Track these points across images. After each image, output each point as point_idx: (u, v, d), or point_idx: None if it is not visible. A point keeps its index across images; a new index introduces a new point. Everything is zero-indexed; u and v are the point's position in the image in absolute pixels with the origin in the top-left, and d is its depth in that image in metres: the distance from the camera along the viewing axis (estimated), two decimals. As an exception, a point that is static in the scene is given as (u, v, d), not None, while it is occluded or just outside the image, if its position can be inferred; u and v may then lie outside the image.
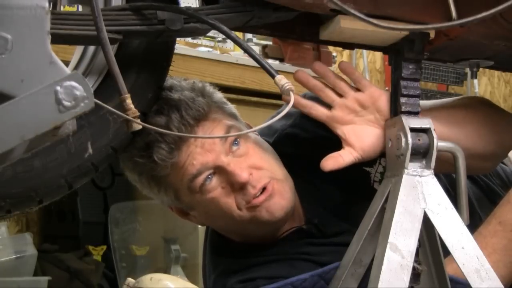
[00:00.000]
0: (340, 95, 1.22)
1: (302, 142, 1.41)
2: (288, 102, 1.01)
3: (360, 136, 1.21)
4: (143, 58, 1.12)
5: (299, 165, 1.39)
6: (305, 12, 1.10)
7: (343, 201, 1.38)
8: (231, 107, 1.36)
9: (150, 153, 1.23)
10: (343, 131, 1.22)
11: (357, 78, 1.22)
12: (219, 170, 1.26)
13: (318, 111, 1.24)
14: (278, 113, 1.04)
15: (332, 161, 1.22)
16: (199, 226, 2.50)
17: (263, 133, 1.46)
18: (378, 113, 1.20)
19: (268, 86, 2.80)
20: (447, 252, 1.09)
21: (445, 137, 1.19)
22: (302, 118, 1.43)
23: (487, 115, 1.36)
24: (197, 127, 1.24)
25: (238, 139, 1.28)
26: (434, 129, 1.12)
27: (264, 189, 1.27)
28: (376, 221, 1.12)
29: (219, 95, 1.34)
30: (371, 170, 1.40)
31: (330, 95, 1.22)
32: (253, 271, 1.34)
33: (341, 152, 1.22)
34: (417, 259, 1.09)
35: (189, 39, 2.99)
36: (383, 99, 1.20)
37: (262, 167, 1.28)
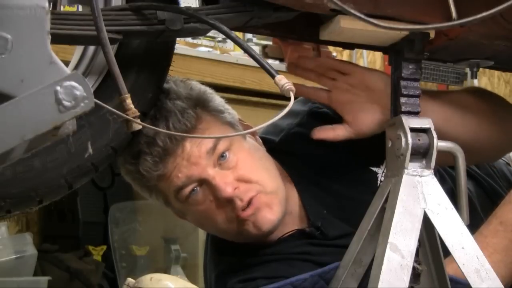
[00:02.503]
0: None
1: (308, 141, 1.41)
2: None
3: (355, 113, 1.26)
4: (143, 58, 1.11)
5: (306, 165, 1.39)
6: (305, 12, 1.09)
7: (349, 202, 1.38)
8: (228, 115, 1.33)
9: (137, 163, 1.24)
10: (342, 110, 1.28)
11: (340, 67, 1.27)
12: (205, 183, 1.26)
13: (320, 95, 1.30)
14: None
15: (322, 131, 1.28)
16: (199, 226, 2.49)
17: (268, 131, 1.45)
18: (368, 91, 1.24)
19: (268, 86, 2.80)
20: (447, 252, 1.08)
21: (457, 122, 1.27)
22: (308, 117, 1.43)
23: (494, 102, 1.39)
24: (184, 140, 1.24)
25: (226, 153, 1.27)
26: (434, 129, 1.12)
27: (251, 201, 1.26)
28: (376, 221, 1.12)
29: (216, 102, 1.33)
30: (378, 170, 1.40)
31: (325, 80, 1.29)
32: (253, 271, 1.34)
33: (336, 125, 1.28)
34: (417, 259, 1.09)
35: (189, 39, 2.99)
36: (368, 77, 1.25)
37: (251, 180, 1.27)
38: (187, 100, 1.27)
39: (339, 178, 1.38)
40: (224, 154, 1.26)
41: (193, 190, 1.26)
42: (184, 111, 1.24)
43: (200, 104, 1.28)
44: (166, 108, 1.23)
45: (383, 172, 1.40)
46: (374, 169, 1.40)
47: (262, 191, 1.27)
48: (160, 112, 1.23)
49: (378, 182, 1.40)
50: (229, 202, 1.25)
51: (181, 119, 1.23)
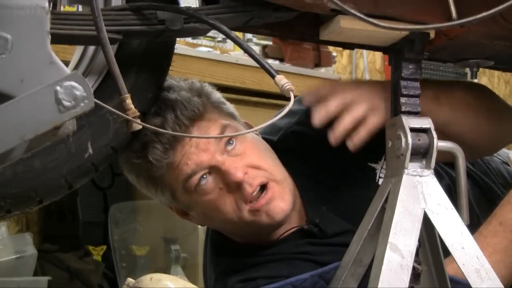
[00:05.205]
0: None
1: (307, 140, 1.41)
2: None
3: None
4: (143, 58, 1.12)
5: (304, 163, 1.40)
6: (305, 12, 1.10)
7: (348, 199, 1.38)
8: (229, 107, 1.36)
9: (146, 154, 1.24)
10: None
11: (325, 96, 1.24)
12: (215, 170, 1.26)
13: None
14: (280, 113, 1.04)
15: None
16: (199, 226, 2.50)
17: (266, 131, 1.46)
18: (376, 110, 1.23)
19: (268, 86, 2.80)
20: (447, 252, 1.09)
21: (461, 122, 1.27)
22: (307, 116, 1.43)
23: (492, 100, 1.41)
24: (192, 127, 1.25)
25: (232, 139, 1.28)
26: (434, 129, 1.12)
27: (263, 188, 1.27)
28: (376, 221, 1.12)
29: (217, 95, 1.35)
30: (376, 166, 1.40)
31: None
32: (253, 271, 1.34)
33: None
34: (417, 259, 1.09)
35: (189, 39, 2.99)
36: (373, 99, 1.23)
37: (260, 167, 1.28)
38: (190, 90, 1.28)
39: (338, 175, 1.39)
40: (231, 141, 1.28)
41: (202, 178, 1.26)
42: (190, 99, 1.26)
43: (203, 94, 1.30)
44: (170, 99, 1.24)
45: (381, 168, 1.40)
46: (372, 165, 1.40)
47: (272, 179, 1.28)
48: (165, 104, 1.23)
49: (377, 178, 1.40)
50: (239, 187, 1.25)
51: (188, 105, 1.25)
